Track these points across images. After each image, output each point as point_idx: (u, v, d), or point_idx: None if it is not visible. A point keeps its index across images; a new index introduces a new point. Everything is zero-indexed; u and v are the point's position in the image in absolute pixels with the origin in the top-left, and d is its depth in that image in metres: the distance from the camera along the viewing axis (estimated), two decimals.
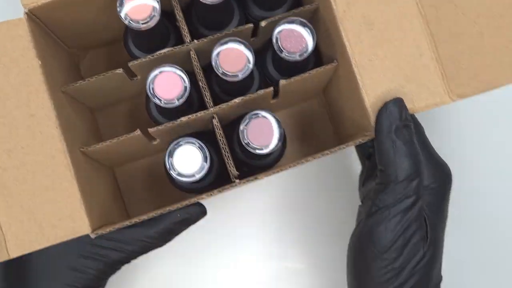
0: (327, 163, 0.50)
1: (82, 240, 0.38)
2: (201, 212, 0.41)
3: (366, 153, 0.42)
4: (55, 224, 0.34)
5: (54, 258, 0.38)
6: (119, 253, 0.38)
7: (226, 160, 0.37)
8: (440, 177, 0.37)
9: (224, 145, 0.38)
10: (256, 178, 0.36)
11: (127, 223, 0.34)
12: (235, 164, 0.37)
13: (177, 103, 0.36)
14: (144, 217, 0.34)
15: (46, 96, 0.35)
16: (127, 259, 0.39)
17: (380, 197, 0.36)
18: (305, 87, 0.41)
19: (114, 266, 0.39)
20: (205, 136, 0.39)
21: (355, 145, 0.43)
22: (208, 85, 0.39)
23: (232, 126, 0.41)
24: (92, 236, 0.34)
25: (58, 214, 0.34)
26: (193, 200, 0.35)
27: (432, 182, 0.36)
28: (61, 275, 0.38)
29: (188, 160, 0.35)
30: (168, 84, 0.36)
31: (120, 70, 0.38)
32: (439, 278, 0.38)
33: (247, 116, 0.36)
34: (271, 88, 0.38)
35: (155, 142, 0.41)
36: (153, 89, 0.36)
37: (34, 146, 0.34)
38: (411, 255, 0.35)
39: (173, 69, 0.36)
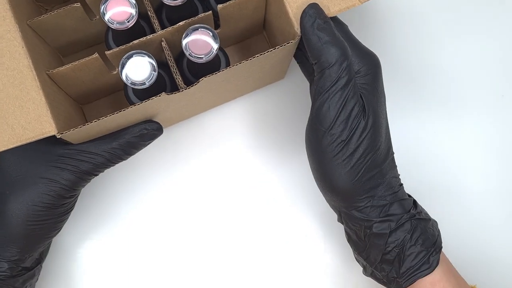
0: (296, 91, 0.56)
1: (54, 152, 0.43)
2: (157, 128, 0.46)
3: (310, 70, 0.46)
4: (25, 126, 0.39)
5: (28, 169, 0.42)
6: (87, 164, 0.43)
7: (174, 76, 0.43)
8: (368, 62, 0.42)
9: (172, 63, 0.43)
10: (198, 82, 0.41)
11: (89, 123, 0.39)
12: (186, 84, 0.43)
13: (127, 24, 0.42)
14: (104, 117, 0.39)
15: (13, 21, 0.40)
16: (95, 170, 0.44)
17: (319, 84, 0.41)
18: (243, 13, 0.47)
19: (83, 177, 0.44)
20: (160, 66, 0.45)
21: (300, 67, 0.48)
22: (157, 16, 0.45)
23: (180, 55, 0.47)
24: (58, 136, 0.39)
25: (27, 118, 0.39)
26: (144, 105, 0.40)
27: (361, 67, 0.41)
28: (36, 184, 0.42)
29: (139, 69, 0.41)
30: (119, 11, 0.42)
31: (77, 4, 0.44)
32: (389, 151, 0.43)
33: (187, 31, 0.42)
34: (210, 12, 0.44)
35: (114, 72, 0.47)
36: (104, 11, 0.42)
37: (4, 62, 0.39)
38: (354, 126, 0.40)
39: None
